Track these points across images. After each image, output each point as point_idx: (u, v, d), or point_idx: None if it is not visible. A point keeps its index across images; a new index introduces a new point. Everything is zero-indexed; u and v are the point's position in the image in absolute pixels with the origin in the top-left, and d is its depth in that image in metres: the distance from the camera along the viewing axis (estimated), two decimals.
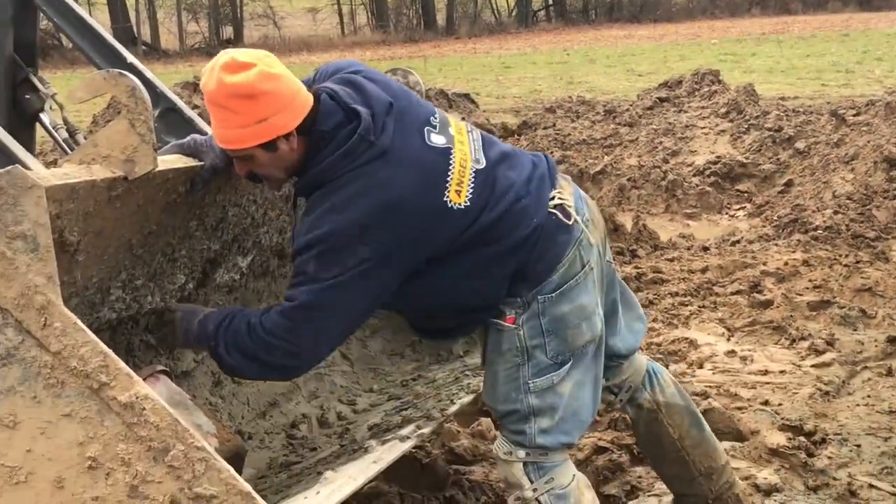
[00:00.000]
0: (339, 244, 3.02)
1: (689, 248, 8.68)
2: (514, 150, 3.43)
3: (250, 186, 3.63)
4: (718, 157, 11.32)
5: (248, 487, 2.53)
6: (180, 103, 4.20)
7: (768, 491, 4.28)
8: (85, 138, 4.37)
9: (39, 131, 4.70)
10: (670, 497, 4.07)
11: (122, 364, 2.56)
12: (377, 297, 3.19)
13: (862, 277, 7.10)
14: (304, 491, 3.01)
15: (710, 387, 5.36)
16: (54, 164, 5.61)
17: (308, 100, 3.08)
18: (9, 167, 2.58)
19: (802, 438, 4.70)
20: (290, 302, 3.09)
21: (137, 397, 2.53)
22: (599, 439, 4.64)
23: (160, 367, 3.23)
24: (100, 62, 4.23)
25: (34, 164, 3.13)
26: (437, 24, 43.64)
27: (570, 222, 3.31)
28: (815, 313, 6.56)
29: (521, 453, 3.36)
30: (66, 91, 3.53)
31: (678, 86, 13.78)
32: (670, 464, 3.87)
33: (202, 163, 3.31)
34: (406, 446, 3.48)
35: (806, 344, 6.01)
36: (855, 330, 6.30)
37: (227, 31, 41.24)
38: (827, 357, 5.81)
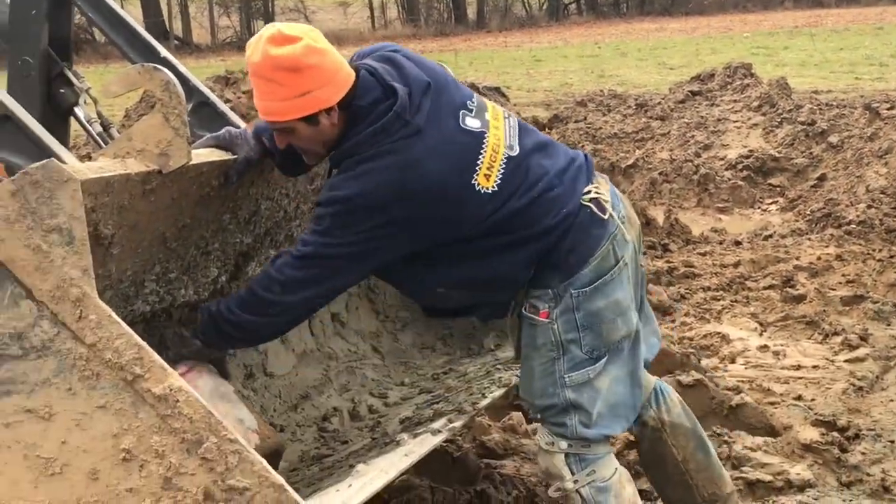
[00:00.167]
0: (358, 209, 3.05)
1: (721, 243, 8.64)
2: (552, 142, 3.44)
3: (283, 180, 3.64)
4: (751, 150, 11.25)
5: (280, 480, 2.54)
6: (213, 97, 4.22)
7: (801, 486, 4.27)
8: (118, 132, 4.40)
9: (73, 125, 4.72)
10: None
11: (156, 356, 2.57)
12: (380, 265, 3.24)
13: None
14: (337, 484, 3.02)
15: (742, 381, 5.34)
16: (87, 157, 5.65)
17: (350, 76, 3.10)
18: (44, 161, 2.60)
19: (836, 434, 4.67)
20: (301, 245, 3.14)
21: (171, 389, 2.55)
22: (631, 433, 4.63)
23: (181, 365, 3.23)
24: (134, 57, 4.25)
25: (69, 158, 3.15)
26: (468, 17, 43.60)
27: (605, 216, 3.31)
28: (848, 308, 6.52)
29: (563, 444, 3.36)
30: (100, 85, 3.55)
31: (710, 79, 13.69)
32: (674, 486, 3.77)
33: (236, 156, 3.33)
34: (438, 440, 3.48)
35: (839, 339, 5.97)
36: (888, 325, 6.25)
37: (259, 26, 41.34)
38: (860, 352, 5.77)
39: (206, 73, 14.38)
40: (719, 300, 6.95)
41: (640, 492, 4.18)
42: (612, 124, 13.11)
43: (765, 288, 7.12)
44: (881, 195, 8.91)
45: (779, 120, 11.85)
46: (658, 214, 9.14)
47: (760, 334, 6.25)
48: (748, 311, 6.67)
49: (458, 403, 3.73)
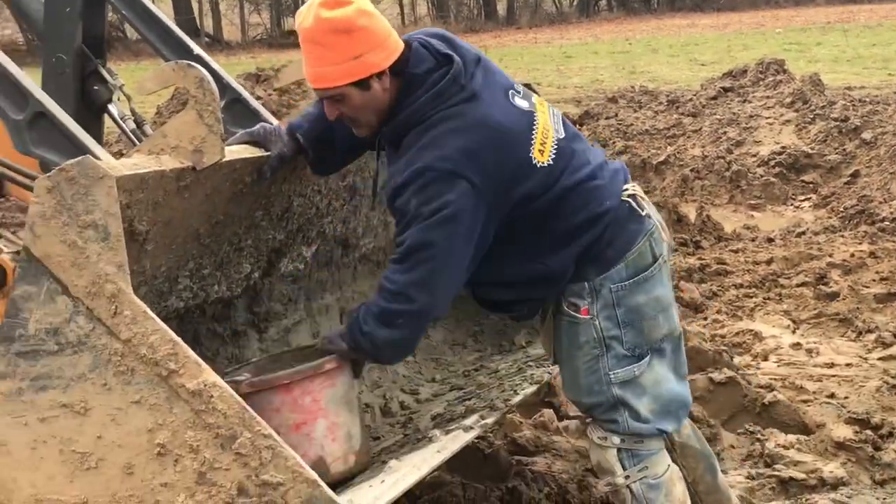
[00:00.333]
0: (437, 177, 3.02)
1: (753, 240, 8.61)
2: (587, 141, 3.48)
3: (315, 177, 3.65)
4: (783, 147, 11.17)
5: (314, 475, 2.55)
6: (245, 94, 4.23)
7: (834, 485, 4.24)
8: (151, 129, 4.42)
9: (107, 122, 4.75)
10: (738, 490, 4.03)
11: (190, 352, 2.59)
12: (479, 240, 3.14)
13: None
14: (369, 479, 3.03)
15: (775, 379, 5.31)
16: (119, 154, 5.68)
17: (399, 43, 3.12)
18: (80, 157, 2.62)
19: (869, 432, 4.64)
20: (399, 247, 3.09)
21: (206, 385, 2.56)
22: None
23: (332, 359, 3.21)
24: (167, 54, 4.27)
25: (104, 155, 3.16)
26: (498, 14, 43.52)
27: (643, 213, 3.34)
28: (881, 305, 6.48)
29: (616, 440, 3.36)
30: (132, 82, 3.57)
31: (742, 75, 13.61)
32: None
33: (269, 153, 3.34)
34: (470, 436, 3.48)
35: (872, 336, 5.94)
36: None
37: (289, 23, 41.42)
38: (894, 350, 5.74)
39: (236, 70, 14.43)
40: (752, 297, 6.93)
41: None
42: (644, 121, 13.05)
43: (798, 285, 7.08)
44: None
45: (811, 116, 11.76)
46: (690, 211, 9.11)
47: (793, 332, 6.22)
48: (781, 309, 6.64)
49: (489, 400, 3.73)
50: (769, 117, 12.07)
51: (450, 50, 3.18)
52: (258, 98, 10.29)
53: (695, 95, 13.64)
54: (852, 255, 7.50)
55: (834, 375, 5.46)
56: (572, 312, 3.30)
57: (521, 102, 3.24)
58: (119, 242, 2.60)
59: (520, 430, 4.62)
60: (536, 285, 3.33)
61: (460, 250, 3.09)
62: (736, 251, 8.19)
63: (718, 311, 6.61)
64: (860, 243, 7.92)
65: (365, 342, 3.13)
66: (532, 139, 3.18)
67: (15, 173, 3.60)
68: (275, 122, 3.85)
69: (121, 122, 4.55)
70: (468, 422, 3.53)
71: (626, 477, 3.36)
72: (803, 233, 8.69)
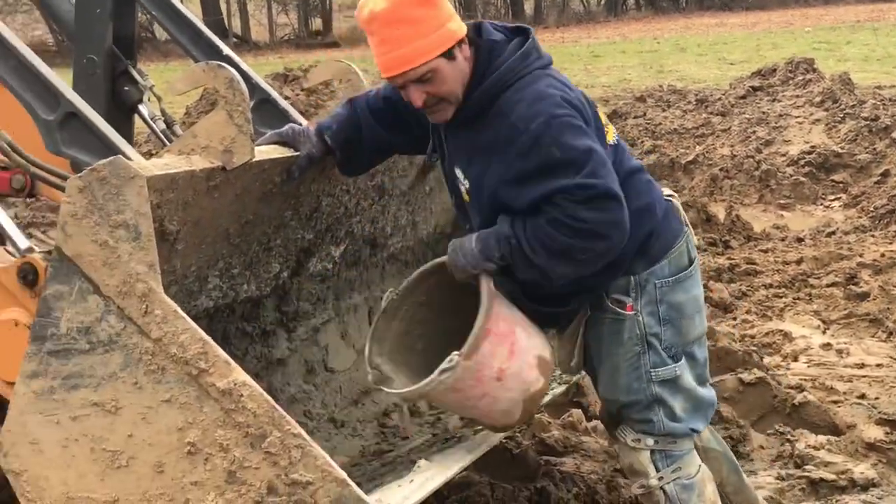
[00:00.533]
0: (565, 120, 3.00)
1: (783, 240, 8.56)
2: None
3: (344, 177, 3.65)
4: (813, 146, 11.11)
5: (343, 474, 2.56)
6: (275, 95, 4.25)
7: (865, 486, 4.22)
8: (181, 130, 4.44)
9: (137, 123, 4.77)
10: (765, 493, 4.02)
11: (220, 351, 2.60)
12: None
13: None
14: (398, 479, 3.03)
15: (805, 380, 5.29)
16: (149, 154, 5.71)
17: None
18: (111, 157, 2.64)
19: None
20: (571, 190, 2.95)
21: (235, 384, 2.57)
22: None
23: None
24: (197, 55, 4.29)
25: (134, 155, 3.18)
26: (525, 13, 43.46)
27: (681, 216, 3.41)
28: None
29: (650, 441, 3.36)
30: (162, 83, 3.58)
31: (771, 74, 13.53)
32: None
33: (298, 152, 3.34)
34: (498, 436, 3.48)
35: None
36: None
37: (317, 23, 41.51)
38: None
39: (264, 71, 14.45)
40: (781, 297, 6.89)
41: None
42: (672, 120, 13.01)
43: (828, 285, 7.04)
44: None
45: (841, 115, 11.69)
46: (719, 211, 9.07)
47: (823, 332, 6.19)
48: (811, 309, 6.61)
49: None
50: (799, 116, 12.00)
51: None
52: (286, 98, 10.31)
53: (724, 94, 13.57)
54: (882, 255, 7.45)
55: (864, 376, 5.43)
56: (617, 309, 3.28)
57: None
58: (150, 242, 2.62)
59: (548, 431, 4.62)
60: (598, 272, 3.21)
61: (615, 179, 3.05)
62: (765, 251, 8.15)
63: (748, 312, 6.58)
64: (890, 243, 7.87)
65: (532, 272, 3.08)
66: (598, 118, 3.23)
67: (46, 173, 3.62)
68: (303, 122, 3.86)
69: (151, 122, 4.58)
70: None
71: (660, 478, 3.36)
72: (833, 232, 8.63)
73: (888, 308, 6.36)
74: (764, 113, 12.29)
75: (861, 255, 7.56)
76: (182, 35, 4.38)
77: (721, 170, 10.75)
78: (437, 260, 3.33)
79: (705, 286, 6.08)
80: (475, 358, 3.07)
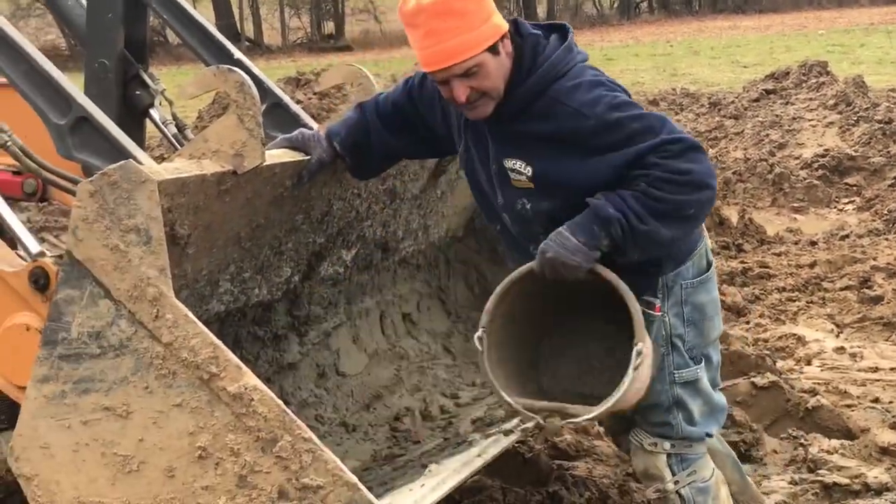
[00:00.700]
0: (624, 98, 3.06)
1: (796, 243, 8.54)
2: None
3: (355, 180, 3.65)
4: (827, 149, 11.08)
5: (354, 479, 2.55)
6: (286, 99, 4.25)
7: (879, 490, 4.20)
8: (193, 134, 4.44)
9: (148, 127, 4.78)
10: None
11: (231, 355, 2.59)
12: None
13: None
14: (409, 483, 3.03)
15: (818, 384, 5.27)
16: (161, 159, 5.72)
17: None
18: (122, 162, 2.64)
19: None
20: (662, 146, 2.95)
21: (246, 388, 2.56)
22: None
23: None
24: (208, 58, 4.29)
25: (145, 159, 3.18)
26: (538, 16, 43.50)
27: None
28: None
29: (667, 445, 3.36)
30: (174, 87, 3.58)
31: (785, 77, 13.52)
32: None
33: (308, 157, 3.34)
34: (509, 440, 3.47)
35: None
36: None
37: (329, 27, 41.62)
38: None
39: (276, 75, 14.50)
40: (795, 301, 6.87)
41: None
42: (685, 123, 13.00)
43: (841, 289, 7.02)
44: None
45: (855, 118, 11.66)
46: (732, 214, 9.05)
47: (837, 336, 6.16)
48: (824, 313, 6.58)
49: None
50: (812, 119, 11.98)
51: None
52: (298, 102, 10.32)
53: (737, 98, 13.56)
54: None
55: (878, 380, 5.41)
56: (646, 310, 3.26)
57: None
58: (161, 246, 2.61)
59: (560, 435, 4.60)
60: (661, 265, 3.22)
61: None
62: (779, 254, 8.13)
63: (761, 315, 6.56)
64: None
65: (638, 248, 3.03)
66: None
67: (58, 178, 3.62)
68: (315, 126, 3.86)
69: (162, 126, 4.58)
70: (508, 425, 3.52)
71: (676, 482, 3.36)
72: (847, 236, 8.61)
73: None
74: (777, 116, 12.27)
75: (875, 259, 7.54)
76: (193, 39, 4.38)
77: (734, 173, 10.73)
78: (508, 279, 3.17)
79: (718, 290, 6.08)
80: (647, 342, 3.06)
